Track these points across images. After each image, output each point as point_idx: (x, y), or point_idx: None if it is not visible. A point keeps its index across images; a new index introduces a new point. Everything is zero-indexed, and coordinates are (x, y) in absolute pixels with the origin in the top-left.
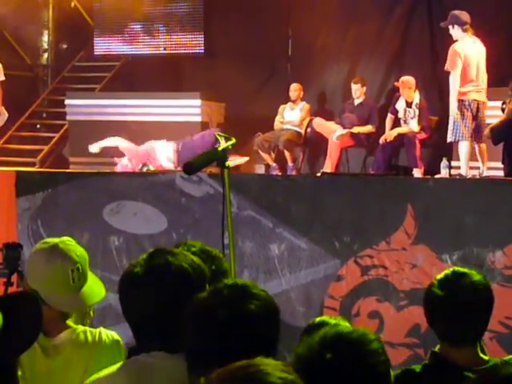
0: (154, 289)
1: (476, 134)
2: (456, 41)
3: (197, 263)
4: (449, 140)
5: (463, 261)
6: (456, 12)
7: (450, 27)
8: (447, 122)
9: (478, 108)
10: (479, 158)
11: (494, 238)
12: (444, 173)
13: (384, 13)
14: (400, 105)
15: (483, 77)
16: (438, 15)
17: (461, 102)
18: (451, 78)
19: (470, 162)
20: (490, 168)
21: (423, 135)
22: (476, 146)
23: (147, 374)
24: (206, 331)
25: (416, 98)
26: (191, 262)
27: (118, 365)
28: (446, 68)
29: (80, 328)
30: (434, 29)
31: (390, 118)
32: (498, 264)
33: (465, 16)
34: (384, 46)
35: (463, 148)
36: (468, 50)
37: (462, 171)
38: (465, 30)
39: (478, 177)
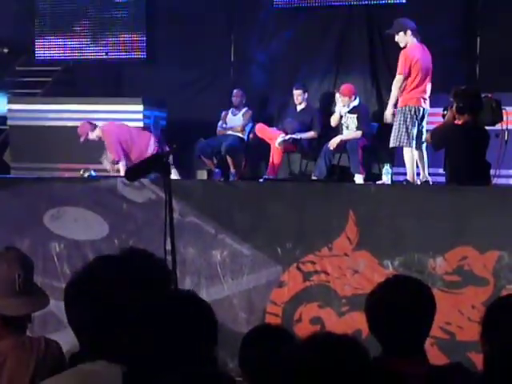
0: (96, 297)
1: (418, 140)
2: (405, 46)
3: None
4: (391, 145)
5: (405, 266)
6: (402, 19)
7: (396, 34)
8: (388, 129)
9: (422, 115)
10: (419, 165)
11: (435, 244)
12: (386, 179)
13: (323, 21)
14: (341, 111)
15: (429, 85)
16: (376, 23)
17: (406, 107)
18: (395, 82)
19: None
20: (431, 174)
21: (365, 141)
22: (416, 153)
23: (94, 382)
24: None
25: (357, 104)
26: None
27: (65, 373)
28: (398, 72)
29: (23, 335)
30: (374, 37)
31: (334, 116)
32: (438, 270)
33: (412, 22)
34: (323, 53)
35: (408, 154)
36: (419, 56)
37: (409, 177)
38: (415, 35)
39: (419, 183)
